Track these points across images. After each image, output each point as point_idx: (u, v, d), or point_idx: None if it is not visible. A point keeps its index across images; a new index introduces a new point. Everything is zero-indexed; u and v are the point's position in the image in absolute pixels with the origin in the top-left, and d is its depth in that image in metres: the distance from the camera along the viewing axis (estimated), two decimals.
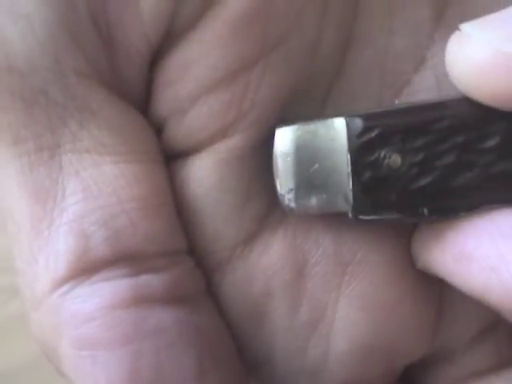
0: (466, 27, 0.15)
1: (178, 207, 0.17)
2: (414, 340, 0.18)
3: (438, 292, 0.18)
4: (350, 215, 0.16)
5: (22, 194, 0.15)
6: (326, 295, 0.17)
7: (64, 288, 0.15)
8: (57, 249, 0.15)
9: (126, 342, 0.15)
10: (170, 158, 0.17)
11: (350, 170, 0.15)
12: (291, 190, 0.16)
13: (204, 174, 0.16)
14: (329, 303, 0.17)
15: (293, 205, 0.16)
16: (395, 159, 0.15)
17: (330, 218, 0.17)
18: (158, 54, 0.16)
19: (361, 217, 0.16)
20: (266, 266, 0.17)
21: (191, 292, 0.16)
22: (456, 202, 0.16)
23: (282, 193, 0.16)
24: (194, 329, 0.16)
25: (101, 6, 0.15)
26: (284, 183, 0.16)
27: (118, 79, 0.16)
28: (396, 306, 0.17)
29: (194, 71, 0.16)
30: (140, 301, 0.15)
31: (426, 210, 0.16)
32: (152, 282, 0.15)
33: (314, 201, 0.16)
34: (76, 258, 0.15)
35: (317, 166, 0.16)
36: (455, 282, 0.16)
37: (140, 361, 0.15)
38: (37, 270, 0.15)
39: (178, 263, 0.16)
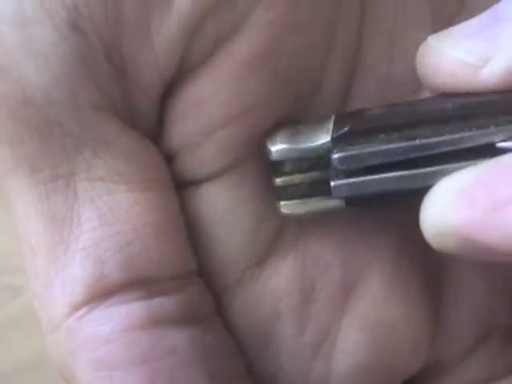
0: (429, 38, 0.17)
1: (190, 230, 0.17)
2: (411, 356, 0.18)
3: (434, 307, 0.18)
4: (332, 155, 0.16)
5: (39, 221, 0.16)
6: (329, 318, 0.18)
7: (81, 312, 0.16)
8: (73, 274, 0.16)
9: (143, 362, 0.16)
10: (183, 183, 0.17)
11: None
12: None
13: (217, 200, 0.17)
14: (332, 325, 0.18)
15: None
16: None
17: (339, 246, 0.18)
18: (171, 88, 0.16)
19: (340, 156, 0.16)
20: (274, 289, 0.17)
21: (202, 312, 0.17)
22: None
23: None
24: (205, 348, 0.16)
25: (115, 42, 0.16)
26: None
27: (131, 111, 0.16)
28: (395, 326, 0.18)
29: (207, 107, 0.16)
30: (155, 322, 0.16)
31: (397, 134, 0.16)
32: (165, 303, 0.16)
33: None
34: (92, 282, 0.16)
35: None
36: (490, 243, 0.14)
37: (156, 380, 0.16)
38: (53, 294, 0.16)
39: (189, 285, 0.17)
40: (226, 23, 0.16)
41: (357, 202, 0.17)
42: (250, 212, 0.17)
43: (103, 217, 0.16)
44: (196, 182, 0.17)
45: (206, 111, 0.16)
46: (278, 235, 0.17)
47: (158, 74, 0.16)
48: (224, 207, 0.17)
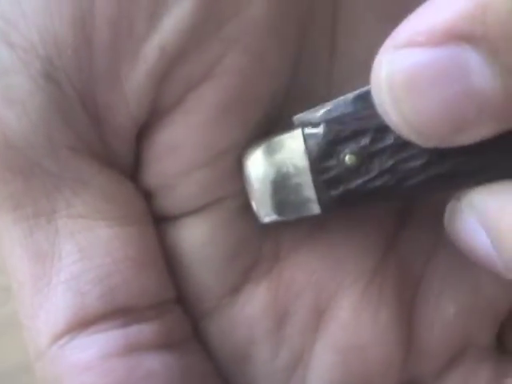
0: None
1: (168, 260, 0.18)
2: (384, 377, 0.19)
3: (406, 329, 0.19)
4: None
5: (23, 256, 0.17)
6: (303, 341, 0.18)
7: (63, 340, 0.17)
8: (56, 305, 0.17)
9: None
10: (161, 218, 0.18)
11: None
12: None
13: (193, 234, 0.18)
14: (305, 348, 0.18)
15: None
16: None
17: (311, 273, 0.18)
18: (145, 130, 0.17)
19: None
20: (249, 315, 0.18)
21: (179, 338, 0.18)
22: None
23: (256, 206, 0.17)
24: (182, 372, 0.17)
25: (88, 91, 0.16)
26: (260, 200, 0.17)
27: (107, 152, 0.17)
28: (365, 348, 0.18)
29: (182, 150, 0.17)
30: (133, 349, 0.17)
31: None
32: (143, 330, 0.17)
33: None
34: (73, 313, 0.17)
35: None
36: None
37: None
38: (38, 324, 0.17)
39: (167, 312, 0.18)
40: (195, 69, 0.16)
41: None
42: (224, 245, 0.18)
43: (83, 251, 0.17)
44: (173, 217, 0.18)
45: (181, 154, 0.17)
46: (252, 265, 0.18)
47: (130, 118, 0.17)
48: (200, 240, 0.18)
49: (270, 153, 0.17)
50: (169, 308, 0.18)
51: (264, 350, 0.18)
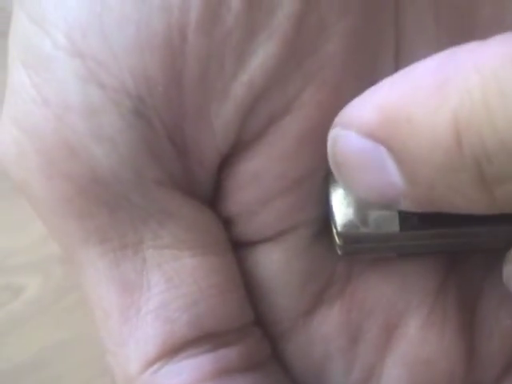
0: None
1: (246, 284, 0.19)
2: None
3: (468, 343, 0.20)
4: None
5: (111, 286, 0.17)
6: (374, 356, 0.19)
7: (154, 367, 0.17)
8: (146, 333, 0.17)
9: None
10: (239, 243, 0.19)
11: None
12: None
13: (270, 259, 0.19)
14: (377, 363, 0.19)
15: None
16: None
17: (381, 294, 0.19)
18: (227, 161, 0.18)
19: None
20: (324, 334, 0.19)
21: (260, 359, 0.18)
22: None
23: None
24: None
25: (177, 127, 0.17)
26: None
27: (190, 183, 0.18)
28: (432, 362, 0.19)
29: (262, 180, 0.18)
30: (220, 372, 0.17)
31: None
32: (229, 354, 0.18)
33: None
34: (163, 340, 0.17)
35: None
36: None
37: None
38: (127, 352, 0.17)
39: (248, 335, 0.18)
40: (277, 103, 0.17)
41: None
42: (299, 270, 0.19)
43: (170, 281, 0.17)
44: (250, 244, 0.19)
45: (262, 183, 0.18)
46: (326, 288, 0.19)
47: (215, 150, 0.17)
48: (275, 266, 0.19)
49: None
50: (249, 331, 0.19)
51: (339, 366, 0.19)
